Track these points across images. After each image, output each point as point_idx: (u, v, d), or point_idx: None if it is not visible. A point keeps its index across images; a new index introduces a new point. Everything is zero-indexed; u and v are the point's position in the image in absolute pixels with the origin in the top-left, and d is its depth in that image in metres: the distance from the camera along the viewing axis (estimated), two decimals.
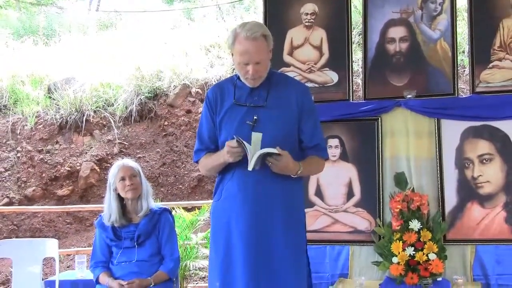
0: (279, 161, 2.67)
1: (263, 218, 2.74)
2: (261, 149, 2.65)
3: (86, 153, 8.69)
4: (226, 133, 2.82)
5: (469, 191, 3.96)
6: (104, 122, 8.95)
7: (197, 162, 2.98)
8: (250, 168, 2.64)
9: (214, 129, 2.89)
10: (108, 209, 3.71)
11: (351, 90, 4.30)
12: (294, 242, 2.80)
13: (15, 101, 9.37)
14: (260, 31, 2.75)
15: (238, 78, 2.89)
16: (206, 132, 2.91)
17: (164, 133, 8.81)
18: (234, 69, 3.49)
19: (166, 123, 8.85)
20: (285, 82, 2.93)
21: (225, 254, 2.78)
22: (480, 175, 3.96)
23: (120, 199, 3.73)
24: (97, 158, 8.60)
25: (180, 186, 8.42)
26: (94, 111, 9.01)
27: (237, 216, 2.76)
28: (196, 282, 6.50)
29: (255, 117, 2.79)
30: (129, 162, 3.82)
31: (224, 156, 2.74)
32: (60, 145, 8.81)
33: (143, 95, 8.99)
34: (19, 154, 8.77)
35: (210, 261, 2.92)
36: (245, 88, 2.86)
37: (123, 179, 3.69)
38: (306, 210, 3.27)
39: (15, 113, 9.19)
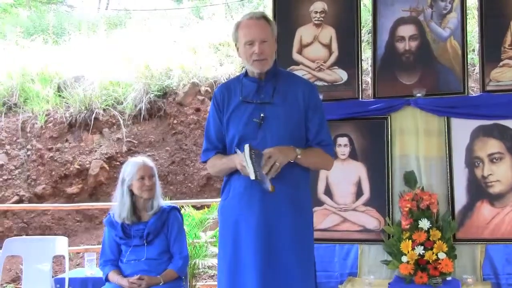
0: (272, 154, 2.63)
1: (271, 217, 2.74)
2: (256, 155, 2.62)
3: (95, 151, 8.72)
4: (234, 131, 2.82)
5: (479, 190, 3.94)
6: (114, 121, 8.97)
7: (205, 162, 2.98)
8: (252, 177, 2.59)
9: (222, 128, 2.89)
10: (120, 206, 3.69)
11: (360, 89, 4.28)
12: (302, 241, 2.80)
13: (25, 99, 9.41)
14: (262, 14, 2.82)
15: (245, 75, 2.90)
16: (213, 132, 2.91)
17: (173, 132, 8.82)
18: (243, 67, 3.48)
19: (175, 121, 8.86)
20: (292, 80, 2.93)
21: (233, 253, 2.78)
22: (490, 174, 3.93)
23: (131, 196, 3.73)
24: (106, 156, 8.63)
25: (189, 184, 8.43)
26: (104, 110, 9.03)
27: (244, 215, 2.76)
28: (205, 281, 6.52)
29: (262, 115, 2.79)
30: (148, 161, 3.77)
31: (235, 165, 2.74)
32: (70, 143, 8.84)
33: (152, 93, 9.00)
34: (29, 152, 8.81)
35: (218, 260, 2.93)
36: (252, 85, 2.86)
37: (142, 178, 3.66)
38: (315, 208, 3.27)
39: (25, 111, 9.23)
